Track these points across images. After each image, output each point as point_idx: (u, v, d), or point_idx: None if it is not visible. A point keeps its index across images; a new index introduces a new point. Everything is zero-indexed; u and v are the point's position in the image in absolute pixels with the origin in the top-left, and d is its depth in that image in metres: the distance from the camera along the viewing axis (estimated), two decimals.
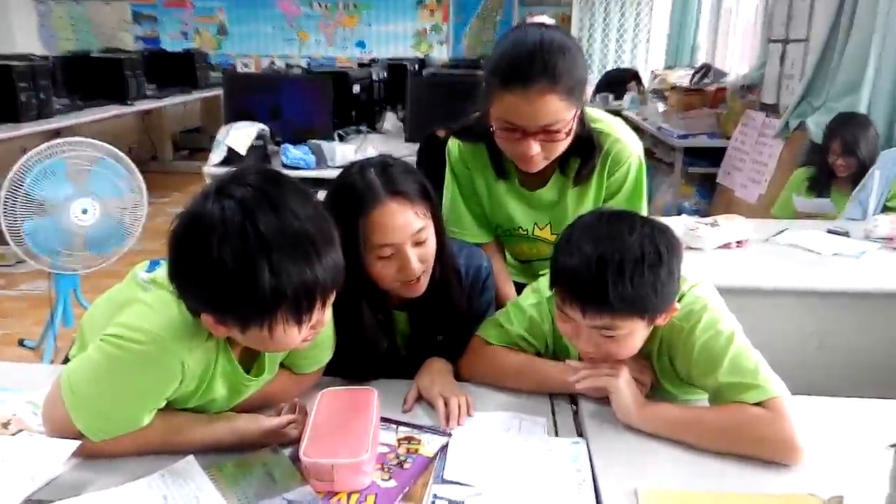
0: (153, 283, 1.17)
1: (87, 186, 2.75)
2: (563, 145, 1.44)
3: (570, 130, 1.42)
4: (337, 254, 1.05)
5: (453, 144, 1.67)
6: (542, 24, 1.43)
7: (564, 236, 1.23)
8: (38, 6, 9.06)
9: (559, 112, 1.36)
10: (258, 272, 0.97)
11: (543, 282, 1.42)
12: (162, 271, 1.15)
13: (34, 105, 4.43)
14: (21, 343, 3.32)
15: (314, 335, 1.12)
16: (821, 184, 3.06)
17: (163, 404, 1.11)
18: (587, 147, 1.53)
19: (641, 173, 1.61)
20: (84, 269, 2.88)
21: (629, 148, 1.58)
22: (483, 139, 1.49)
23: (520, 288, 1.73)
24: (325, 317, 1.09)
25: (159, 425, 1.12)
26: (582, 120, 1.48)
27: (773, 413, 1.13)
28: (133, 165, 2.87)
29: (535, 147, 1.40)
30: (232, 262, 0.97)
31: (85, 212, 2.74)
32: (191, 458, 1.11)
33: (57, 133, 4.18)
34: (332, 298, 1.08)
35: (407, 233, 1.28)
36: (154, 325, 1.06)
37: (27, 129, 4.27)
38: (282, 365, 1.29)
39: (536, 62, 1.33)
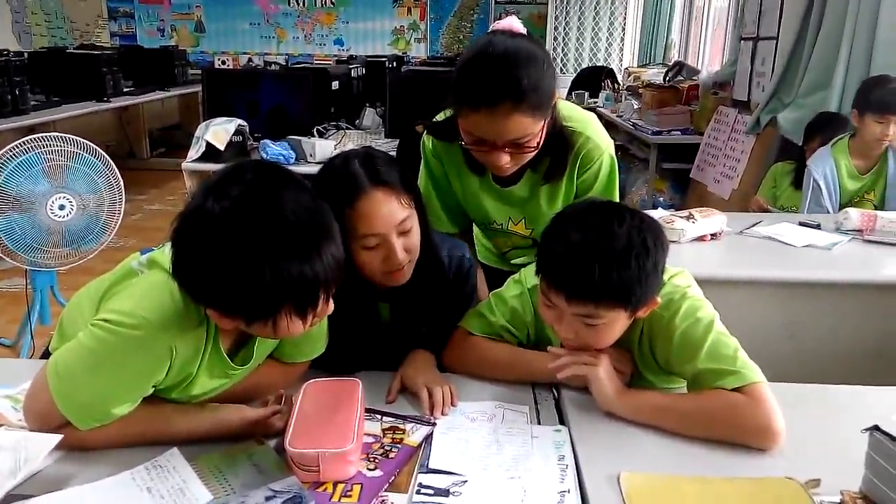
0: (151, 263, 1.16)
1: (64, 183, 2.73)
2: (532, 153, 1.44)
3: (540, 140, 1.41)
4: (337, 248, 1.05)
5: (428, 139, 1.67)
6: (510, 32, 1.40)
7: (553, 223, 1.24)
8: (11, 0, 8.90)
9: (526, 128, 1.36)
10: (259, 274, 0.97)
11: (525, 273, 1.43)
12: (159, 252, 1.14)
13: (8, 101, 4.36)
14: None
15: (318, 321, 1.11)
16: (800, 179, 3.11)
17: (150, 391, 1.11)
18: (559, 146, 1.53)
19: (613, 170, 1.63)
20: (61, 265, 2.85)
21: (600, 146, 1.58)
22: (455, 139, 1.48)
23: (495, 274, 1.75)
24: (328, 307, 1.08)
25: (143, 415, 1.11)
26: (554, 119, 1.48)
27: (751, 399, 1.15)
28: (110, 161, 2.85)
29: (504, 158, 1.41)
30: (232, 264, 0.97)
31: (62, 208, 2.72)
32: (175, 449, 1.10)
33: (31, 130, 4.12)
34: (334, 290, 1.08)
35: (392, 222, 1.29)
36: (145, 310, 1.06)
37: (1, 125, 4.20)
38: (270, 355, 1.29)
39: (501, 81, 1.31)
